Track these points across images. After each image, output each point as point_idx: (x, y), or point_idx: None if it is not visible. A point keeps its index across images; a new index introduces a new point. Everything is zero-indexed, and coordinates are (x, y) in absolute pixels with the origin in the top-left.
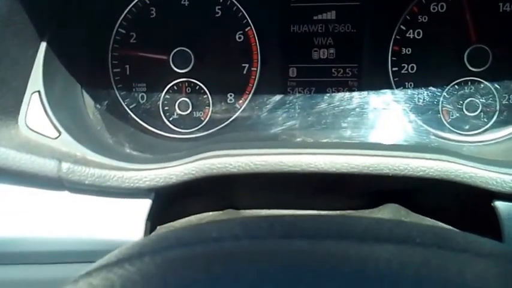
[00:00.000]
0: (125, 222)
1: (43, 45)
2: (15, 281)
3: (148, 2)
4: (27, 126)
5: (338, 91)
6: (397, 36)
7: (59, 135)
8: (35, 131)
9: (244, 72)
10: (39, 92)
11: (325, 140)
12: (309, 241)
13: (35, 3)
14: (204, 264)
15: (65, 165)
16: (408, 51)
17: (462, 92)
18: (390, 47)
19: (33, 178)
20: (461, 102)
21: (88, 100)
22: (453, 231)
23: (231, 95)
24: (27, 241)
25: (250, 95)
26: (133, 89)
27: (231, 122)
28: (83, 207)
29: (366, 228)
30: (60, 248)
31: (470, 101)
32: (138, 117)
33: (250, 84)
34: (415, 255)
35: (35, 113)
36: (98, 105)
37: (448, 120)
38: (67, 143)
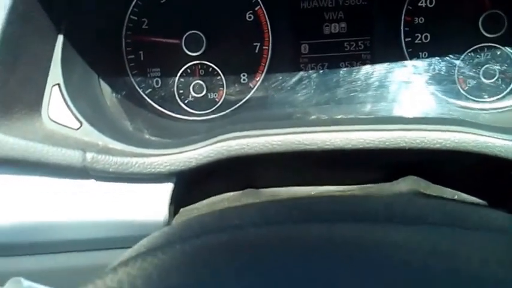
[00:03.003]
0: (149, 207)
1: (60, 39)
2: (44, 270)
3: None
4: (50, 119)
5: (351, 65)
6: (409, 6)
7: (81, 126)
8: (58, 123)
9: (256, 51)
10: (59, 84)
11: (340, 116)
12: (324, 225)
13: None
14: (229, 252)
15: (89, 155)
16: (421, 20)
17: (478, 59)
18: (402, 17)
19: (59, 169)
20: (477, 69)
21: (105, 89)
22: (465, 208)
23: (244, 75)
24: (54, 230)
25: (263, 74)
26: (148, 75)
27: (245, 102)
28: (107, 194)
29: (380, 209)
30: (87, 235)
31: (487, 67)
32: (155, 102)
33: (263, 63)
34: (427, 236)
35: (56, 105)
36: (114, 93)
37: (465, 89)
38: (89, 133)
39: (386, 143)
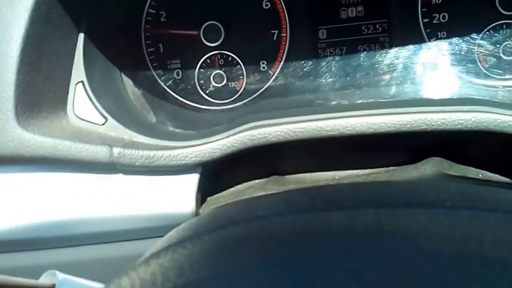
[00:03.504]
0: (177, 197)
1: (81, 36)
2: (79, 262)
3: None
4: (76, 116)
5: (370, 49)
6: None
7: (106, 121)
8: (84, 119)
9: (274, 39)
10: (82, 81)
11: (360, 101)
12: (346, 213)
13: None
14: (255, 242)
15: (116, 150)
16: (438, 0)
17: (497, 37)
18: None
19: (87, 165)
20: (497, 47)
21: (128, 83)
22: (484, 190)
23: (263, 63)
24: (86, 223)
25: (282, 62)
26: (168, 67)
27: (265, 90)
28: (136, 187)
29: (400, 195)
30: (118, 227)
31: (506, 45)
32: (176, 94)
33: (281, 51)
34: (445, 220)
35: (81, 102)
36: (137, 87)
37: (486, 67)
38: (114, 128)
39: (408, 126)
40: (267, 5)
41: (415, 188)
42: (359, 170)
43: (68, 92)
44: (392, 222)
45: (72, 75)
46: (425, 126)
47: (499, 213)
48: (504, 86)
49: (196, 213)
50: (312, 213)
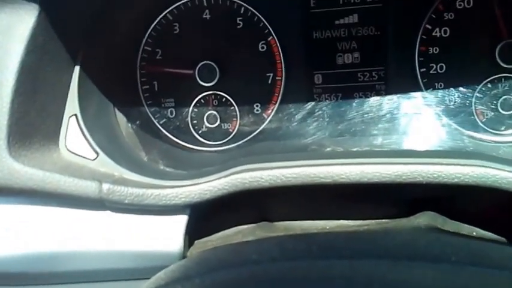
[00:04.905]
0: (164, 238)
1: (76, 70)
2: None
3: (171, 18)
4: (68, 149)
5: (365, 96)
6: (423, 36)
7: (97, 156)
8: (75, 153)
9: (269, 81)
10: (75, 115)
11: (355, 149)
12: (345, 262)
13: (68, 31)
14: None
15: (105, 186)
16: (436, 50)
17: (496, 90)
18: (417, 48)
19: (76, 200)
20: (495, 101)
21: (121, 119)
22: (489, 246)
23: (257, 106)
24: (70, 260)
25: (277, 105)
26: (163, 105)
27: (259, 133)
28: (123, 226)
29: (401, 246)
30: (103, 266)
31: (505, 99)
32: (169, 133)
33: (276, 94)
34: (451, 276)
35: (73, 136)
36: (130, 124)
37: (483, 121)
38: (105, 164)
39: (403, 177)
40: (263, 47)
41: (416, 240)
42: (350, 221)
43: (61, 124)
44: (393, 276)
45: (66, 108)
46: (421, 178)
47: (507, 271)
48: (501, 142)
49: (184, 256)
50: (308, 260)
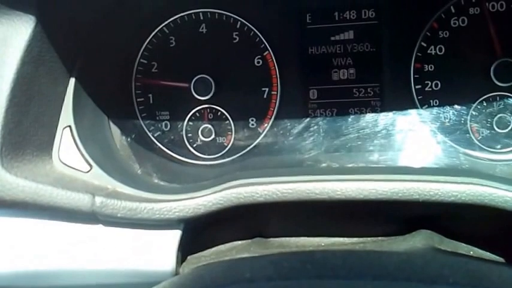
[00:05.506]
0: (157, 254)
1: (72, 81)
2: None
3: (167, 31)
4: (61, 161)
5: (361, 112)
6: (418, 53)
7: (90, 169)
8: (68, 166)
9: (265, 96)
10: (70, 126)
11: (351, 165)
12: (341, 282)
13: (64, 42)
14: None
15: (98, 199)
16: (431, 68)
17: (491, 108)
18: (412, 65)
19: (68, 213)
20: (490, 119)
21: (115, 131)
22: (487, 267)
23: (252, 120)
24: (61, 276)
25: (272, 119)
26: (157, 118)
27: (254, 147)
28: (115, 240)
29: (398, 266)
30: (95, 281)
31: (500, 117)
32: (163, 146)
33: (271, 108)
34: None
35: (67, 148)
36: (124, 136)
37: (478, 138)
38: (98, 176)
39: (399, 195)
40: (258, 62)
41: (413, 260)
42: (346, 238)
43: (54, 136)
44: None
45: (60, 120)
46: (417, 196)
47: None
48: (497, 160)
49: (176, 272)
50: (303, 280)
